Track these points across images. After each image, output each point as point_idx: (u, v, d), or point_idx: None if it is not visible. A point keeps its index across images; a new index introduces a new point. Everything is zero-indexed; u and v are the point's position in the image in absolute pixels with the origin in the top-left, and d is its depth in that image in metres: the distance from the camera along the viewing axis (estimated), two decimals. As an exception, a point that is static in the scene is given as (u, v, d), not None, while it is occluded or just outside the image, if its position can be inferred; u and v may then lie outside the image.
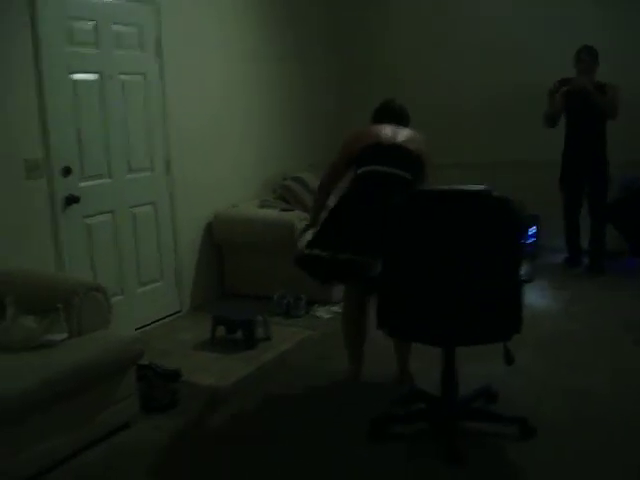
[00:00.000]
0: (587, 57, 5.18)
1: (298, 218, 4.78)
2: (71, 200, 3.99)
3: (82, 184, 4.07)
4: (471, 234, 2.65)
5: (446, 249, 2.66)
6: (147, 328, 4.44)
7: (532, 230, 5.78)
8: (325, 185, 3.64)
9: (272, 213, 5.08)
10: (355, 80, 6.53)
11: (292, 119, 6.02)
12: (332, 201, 5.07)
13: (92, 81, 4.12)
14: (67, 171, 3.96)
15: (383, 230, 2.83)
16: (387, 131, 3.42)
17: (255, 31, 5.55)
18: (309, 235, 3.55)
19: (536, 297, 4.76)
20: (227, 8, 5.24)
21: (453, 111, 6.18)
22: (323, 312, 4.70)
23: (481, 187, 2.67)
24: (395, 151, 3.34)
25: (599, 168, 5.31)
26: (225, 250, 5.24)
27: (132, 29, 4.38)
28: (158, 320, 4.66)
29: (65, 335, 3.01)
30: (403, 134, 3.42)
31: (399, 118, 3.57)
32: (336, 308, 4.68)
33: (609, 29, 5.53)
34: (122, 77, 4.31)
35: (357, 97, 6.32)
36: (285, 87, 5.91)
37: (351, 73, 6.56)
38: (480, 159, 6.01)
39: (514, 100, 5.97)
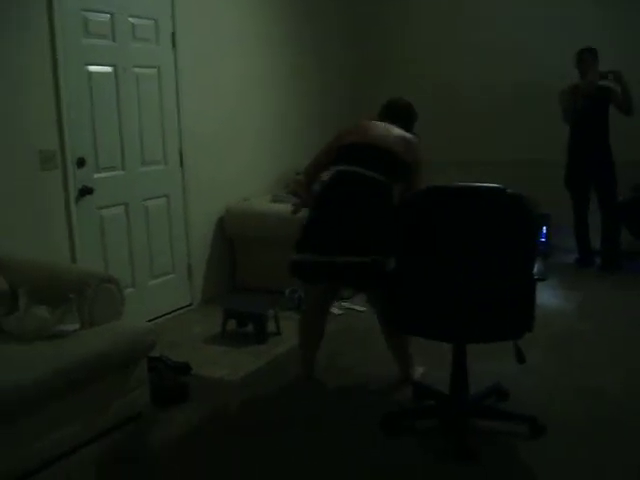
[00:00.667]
0: (589, 56, 5.23)
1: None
2: (85, 191, 4.00)
3: (96, 176, 4.09)
4: (484, 231, 2.64)
5: (459, 245, 2.65)
6: (158, 321, 4.45)
7: (543, 229, 5.76)
8: (309, 173, 3.62)
9: (284, 207, 5.06)
10: (369, 76, 6.53)
11: (307, 114, 6.02)
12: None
13: (107, 73, 4.13)
14: (81, 162, 3.98)
15: (390, 226, 2.81)
16: (377, 130, 3.31)
17: (271, 25, 5.55)
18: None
19: (548, 297, 4.73)
20: (243, 1, 5.24)
21: (462, 107, 6.21)
22: (334, 308, 4.69)
23: (494, 184, 2.66)
24: (373, 152, 3.23)
25: (605, 167, 5.34)
26: (237, 244, 5.24)
27: (148, 22, 4.39)
28: (169, 313, 4.68)
29: (77, 326, 3.02)
30: (393, 136, 3.29)
31: (403, 118, 3.48)
32: (347, 304, 4.69)
33: (609, 29, 5.53)
34: (136, 70, 4.31)
35: (371, 92, 6.28)
36: (300, 82, 5.91)
37: (365, 69, 6.57)
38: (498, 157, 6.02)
39: (515, 99, 5.99)
